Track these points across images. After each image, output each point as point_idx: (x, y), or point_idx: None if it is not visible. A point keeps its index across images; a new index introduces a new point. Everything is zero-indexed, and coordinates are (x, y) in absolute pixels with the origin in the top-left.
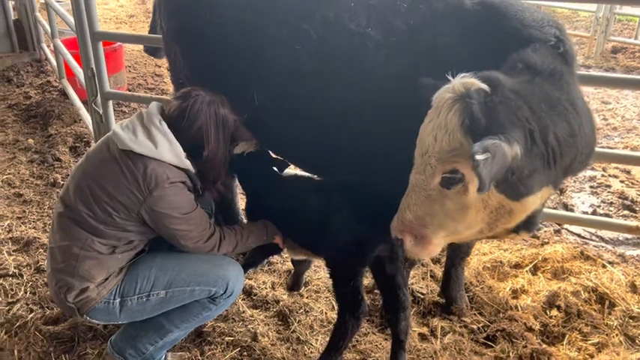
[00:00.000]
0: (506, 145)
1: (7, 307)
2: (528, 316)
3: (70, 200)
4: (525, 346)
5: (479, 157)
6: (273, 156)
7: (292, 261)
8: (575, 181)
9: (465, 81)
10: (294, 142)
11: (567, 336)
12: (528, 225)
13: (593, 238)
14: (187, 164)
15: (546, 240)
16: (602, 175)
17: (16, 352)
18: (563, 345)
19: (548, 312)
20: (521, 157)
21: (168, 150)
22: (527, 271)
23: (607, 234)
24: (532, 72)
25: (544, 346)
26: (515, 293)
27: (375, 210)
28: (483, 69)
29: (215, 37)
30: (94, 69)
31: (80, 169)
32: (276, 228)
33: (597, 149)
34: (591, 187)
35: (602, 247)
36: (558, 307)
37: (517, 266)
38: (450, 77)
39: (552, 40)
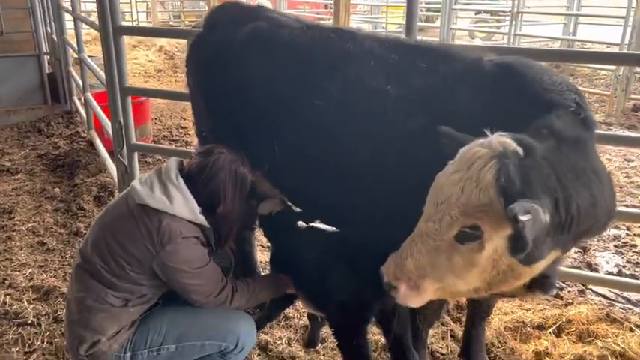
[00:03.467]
0: (542, 211)
1: (24, 357)
2: None
3: (88, 252)
4: None
5: (523, 217)
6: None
7: (308, 316)
8: (598, 240)
9: (503, 140)
10: (311, 193)
11: None
12: (545, 286)
13: (620, 299)
14: (202, 220)
15: (570, 300)
16: (627, 234)
17: None
18: None
19: None
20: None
21: (183, 205)
22: (550, 332)
23: (634, 296)
24: (557, 139)
25: None
26: (539, 356)
27: (372, 265)
28: (501, 130)
29: (237, 91)
30: (122, 122)
31: (99, 222)
32: (290, 280)
33: (621, 208)
34: (615, 246)
35: (629, 309)
36: None
37: (540, 327)
38: (488, 132)
39: (573, 106)
